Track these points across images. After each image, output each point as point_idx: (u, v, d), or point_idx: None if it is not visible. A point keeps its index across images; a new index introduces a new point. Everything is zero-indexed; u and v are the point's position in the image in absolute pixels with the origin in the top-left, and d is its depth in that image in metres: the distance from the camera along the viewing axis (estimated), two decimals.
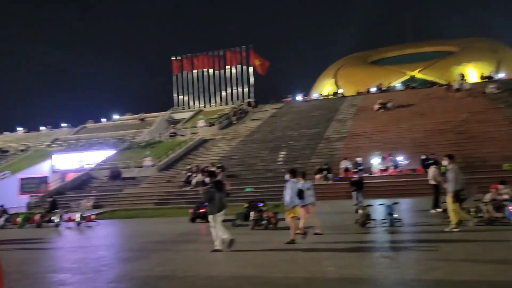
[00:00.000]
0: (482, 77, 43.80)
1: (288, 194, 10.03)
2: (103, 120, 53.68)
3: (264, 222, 13.04)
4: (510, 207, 10.68)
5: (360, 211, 12.51)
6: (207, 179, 25.74)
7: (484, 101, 33.27)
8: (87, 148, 38.42)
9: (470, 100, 33.68)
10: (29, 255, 10.59)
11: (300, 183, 10.81)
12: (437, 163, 15.70)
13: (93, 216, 17.54)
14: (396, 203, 11.90)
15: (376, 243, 10.12)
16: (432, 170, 14.95)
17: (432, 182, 14.83)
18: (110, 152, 36.03)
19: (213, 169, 27.75)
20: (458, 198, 10.57)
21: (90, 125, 50.85)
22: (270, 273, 7.07)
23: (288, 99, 48.57)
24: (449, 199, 10.70)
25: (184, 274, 7.36)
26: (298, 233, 10.26)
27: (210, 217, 9.46)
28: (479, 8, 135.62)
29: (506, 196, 11.44)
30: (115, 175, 30.33)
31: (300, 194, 10.24)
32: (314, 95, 55.95)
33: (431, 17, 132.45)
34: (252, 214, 13.71)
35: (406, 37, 78.67)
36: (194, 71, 55.35)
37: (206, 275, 7.19)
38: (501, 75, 46.04)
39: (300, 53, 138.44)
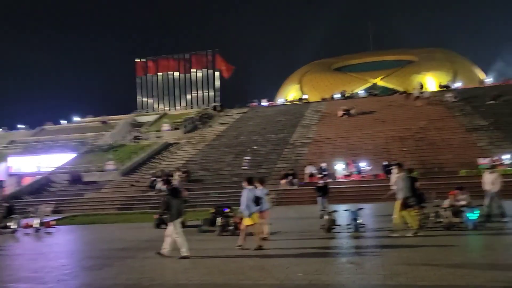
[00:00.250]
0: (440, 86, 45.60)
1: (244, 202, 10.15)
2: (63, 122, 52.00)
3: (231, 228, 13.01)
4: (467, 213, 11.15)
5: (326, 217, 12.70)
6: (163, 187, 25.65)
7: (442, 109, 34.63)
8: (46, 151, 37.12)
9: (429, 108, 34.96)
10: None
11: (259, 190, 10.95)
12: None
13: (52, 222, 16.90)
14: (361, 208, 12.16)
15: (342, 249, 10.31)
16: (394, 176, 15.37)
17: (394, 187, 15.23)
18: (71, 156, 34.97)
19: (178, 173, 27.60)
20: (407, 204, 11.10)
21: (49, 127, 49.14)
22: (239, 280, 7.07)
23: (254, 103, 48.82)
24: (398, 205, 11.18)
25: (150, 282, 7.24)
26: (264, 238, 10.34)
27: (170, 225, 9.47)
28: (436, 20, 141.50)
29: (463, 202, 11.93)
30: (76, 179, 29.46)
31: (257, 201, 10.35)
32: (280, 100, 56.51)
33: (391, 27, 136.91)
34: (218, 220, 13.65)
35: (368, 45, 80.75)
36: (159, 73, 54.68)
37: (173, 283, 7.11)
38: (458, 85, 48.13)
39: (266, 58, 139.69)
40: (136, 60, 55.00)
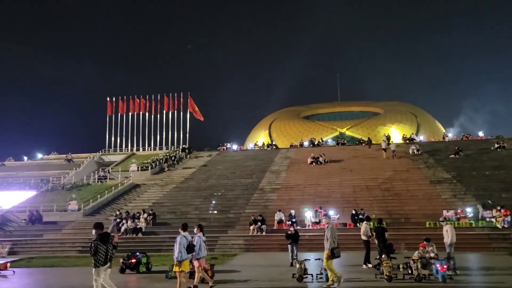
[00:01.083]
0: (404, 139, 47.35)
1: (177, 248, 10.41)
2: (25, 158, 50.22)
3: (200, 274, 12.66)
4: (437, 265, 11.35)
5: (297, 265, 12.61)
6: (124, 226, 24.83)
7: (406, 161, 35.80)
8: (4, 187, 35.50)
9: (394, 160, 36.07)
10: None
11: (197, 236, 11.33)
12: (369, 219, 16.39)
13: (8, 264, 15.94)
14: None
15: None
16: (364, 226, 15.58)
17: (363, 237, 15.40)
18: (31, 193, 33.55)
19: (144, 215, 26.91)
20: (333, 255, 11.40)
21: (9, 163, 47.26)
22: None
23: (223, 147, 48.94)
24: (325, 256, 11.49)
25: None
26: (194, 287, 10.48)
27: (95, 271, 9.30)
28: (400, 75, 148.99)
29: (432, 254, 12.17)
30: (35, 219, 28.11)
31: (190, 248, 10.60)
32: (249, 145, 56.98)
33: (358, 79, 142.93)
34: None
35: (336, 96, 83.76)
36: (129, 113, 54.21)
37: None
38: (421, 137, 50.14)
39: (236, 103, 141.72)
40: (107, 99, 54.51)
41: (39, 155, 51.11)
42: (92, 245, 9.44)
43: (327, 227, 12.01)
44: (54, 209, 29.66)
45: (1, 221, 28.49)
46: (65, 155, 47.59)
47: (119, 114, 53.66)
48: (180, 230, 10.85)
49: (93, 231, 10.13)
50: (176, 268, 10.41)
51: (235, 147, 49.60)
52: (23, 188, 34.52)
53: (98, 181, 37.31)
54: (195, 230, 11.88)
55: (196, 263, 11.25)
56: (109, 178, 37.56)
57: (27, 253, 22.39)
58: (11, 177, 39.28)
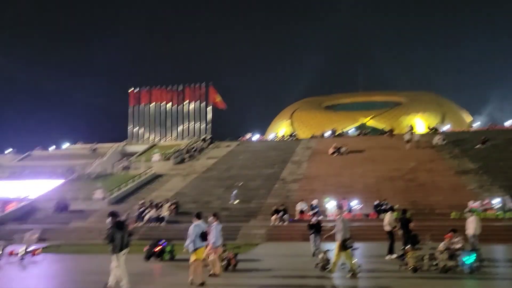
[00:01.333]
0: (429, 129, 46.49)
1: (191, 237, 10.52)
2: (52, 148, 51.44)
3: (223, 263, 12.80)
4: (464, 256, 11.19)
5: (321, 255, 12.60)
6: (148, 215, 25.29)
7: (431, 151, 35.17)
8: (33, 176, 36.48)
9: (418, 150, 35.48)
10: None
11: (213, 225, 11.63)
12: (392, 209, 16.23)
13: (38, 250, 16.46)
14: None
15: None
16: (388, 216, 15.44)
17: (387, 228, 15.27)
18: (58, 182, 34.39)
19: (167, 205, 27.30)
20: (345, 246, 11.42)
21: (37, 152, 48.49)
22: None
23: (245, 138, 49.03)
24: (336, 247, 11.54)
25: None
26: (214, 275, 10.67)
27: (113, 257, 9.60)
28: (423, 63, 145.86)
29: (459, 245, 11.99)
30: (62, 207, 28.86)
31: (203, 236, 10.66)
32: (270, 135, 56.90)
33: (381, 68, 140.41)
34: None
35: (358, 85, 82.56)
36: (151, 104, 54.83)
37: None
38: (446, 127, 49.12)
39: (258, 93, 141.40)
40: (129, 90, 55.19)
41: (65, 145, 52.26)
42: (109, 232, 9.77)
43: (338, 218, 12.05)
44: (80, 198, 30.35)
45: (30, 209, 29.36)
46: (90, 145, 48.51)
47: (142, 105, 54.35)
48: (193, 219, 10.95)
49: (109, 219, 10.44)
50: (192, 256, 10.51)
51: (256, 137, 49.64)
52: (50, 177, 35.39)
53: (122, 171, 37.96)
54: (210, 218, 12.04)
55: (212, 252, 11.31)
56: (133, 168, 38.16)
57: (55, 240, 23.00)
58: (38, 166, 40.33)
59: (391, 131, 43.61)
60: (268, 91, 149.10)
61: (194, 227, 10.60)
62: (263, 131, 61.00)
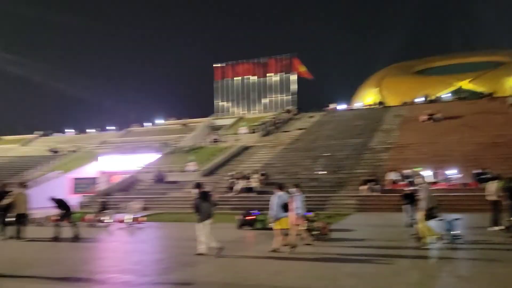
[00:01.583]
0: None
1: (272, 207, 10.68)
2: (148, 124, 54.99)
3: (315, 232, 12.85)
4: None
5: (415, 225, 12.09)
6: (238, 186, 26.11)
7: None
8: (133, 151, 39.39)
9: None
10: (90, 254, 10.90)
11: (295, 195, 11.69)
12: (497, 178, 14.97)
13: (143, 218, 17.88)
14: (457, 219, 11.42)
15: (442, 261, 9.68)
16: (493, 185, 14.31)
17: (491, 197, 14.18)
18: (155, 156, 36.79)
19: (255, 176, 27.98)
20: (430, 215, 11.06)
21: (135, 128, 52.20)
22: (336, 287, 6.91)
23: (331, 107, 48.13)
24: (420, 216, 11.17)
25: (246, 282, 7.32)
26: (286, 245, 10.60)
27: (199, 225, 10.30)
28: None
29: None
30: (160, 179, 30.90)
31: (285, 206, 10.71)
32: (357, 104, 55.20)
33: (478, 26, 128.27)
34: (303, 224, 13.53)
35: (452, 46, 76.29)
36: (236, 78, 55.85)
37: (270, 284, 7.12)
38: None
39: (343, 61, 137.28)
40: (214, 65, 56.65)
41: (159, 121, 55.51)
42: (195, 203, 10.45)
43: (421, 187, 11.60)
44: (175, 170, 32.22)
45: (132, 181, 31.88)
46: (181, 120, 51.06)
47: (227, 79, 55.58)
48: (275, 189, 11.12)
49: (194, 190, 11.04)
50: (275, 226, 10.75)
51: (342, 107, 48.48)
52: (148, 152, 37.94)
53: (211, 144, 39.49)
54: (293, 189, 12.08)
55: (296, 221, 11.44)
56: (221, 141, 39.51)
57: (155, 209, 24.81)
58: (137, 142, 43.45)
59: (491, 94, 39.95)
60: (354, 59, 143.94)
61: (276, 197, 10.83)
62: (349, 100, 59.31)
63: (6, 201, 14.10)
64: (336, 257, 9.60)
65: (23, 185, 15.65)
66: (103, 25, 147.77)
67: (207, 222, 10.29)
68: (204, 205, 10.39)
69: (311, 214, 14.15)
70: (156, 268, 8.77)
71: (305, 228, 13.05)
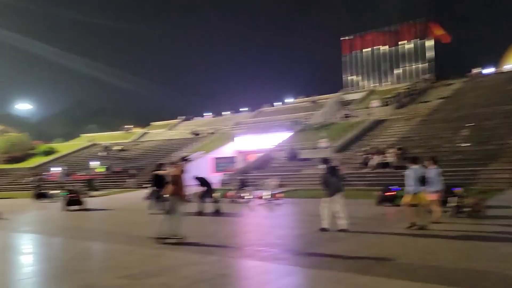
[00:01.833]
0: None
1: (409, 182, 10.32)
2: (277, 103, 56.32)
3: (467, 209, 11.74)
4: None
5: None
6: (373, 161, 25.08)
7: None
8: (265, 130, 40.74)
9: None
10: (235, 228, 11.60)
11: (432, 169, 10.91)
12: None
13: (280, 195, 18.42)
14: None
15: None
16: None
17: None
18: (286, 134, 37.51)
19: (391, 150, 26.68)
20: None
21: (265, 109, 53.91)
22: (502, 269, 6.19)
23: (474, 72, 43.32)
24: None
25: (396, 259, 7.00)
26: (432, 222, 10.04)
27: (326, 199, 10.20)
28: None
29: None
30: (293, 156, 31.46)
31: (422, 180, 10.24)
32: (507, 66, 48.70)
33: None
34: (451, 200, 12.48)
35: None
36: (364, 50, 53.70)
37: (422, 264, 6.69)
38: None
39: (488, 18, 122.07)
40: (341, 38, 55.08)
41: (288, 100, 56.42)
42: (323, 178, 10.34)
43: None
44: (307, 148, 32.46)
45: (267, 159, 33.06)
46: (309, 98, 51.12)
47: (355, 52, 53.74)
48: (410, 163, 10.68)
49: (322, 166, 10.83)
50: (408, 201, 10.30)
51: (489, 70, 43.25)
52: (279, 130, 38.87)
53: (342, 120, 38.78)
54: (428, 162, 11.14)
55: (432, 197, 10.55)
56: (352, 116, 38.51)
57: (290, 186, 25.35)
58: (268, 121, 44.84)
59: None
60: (504, 12, 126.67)
61: (412, 171, 10.38)
62: (497, 63, 52.60)
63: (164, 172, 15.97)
64: (492, 237, 8.63)
65: (174, 164, 17.38)
66: (235, 12, 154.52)
67: (336, 197, 10.13)
68: (332, 180, 10.23)
69: (460, 190, 12.98)
70: (300, 243, 8.93)
71: (454, 204, 12.04)
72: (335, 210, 10.15)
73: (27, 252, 9.72)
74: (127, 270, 6.80)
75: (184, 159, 10.07)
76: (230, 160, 36.35)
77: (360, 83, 53.35)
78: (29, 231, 12.87)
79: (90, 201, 19.66)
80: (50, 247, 10.10)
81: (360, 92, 48.89)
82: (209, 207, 15.04)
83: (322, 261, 7.15)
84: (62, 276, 6.76)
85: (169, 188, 9.27)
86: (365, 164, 26.38)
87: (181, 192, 9.18)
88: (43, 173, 38.14)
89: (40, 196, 24.77)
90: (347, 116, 39.17)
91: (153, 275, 6.45)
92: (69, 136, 71.63)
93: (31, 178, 35.79)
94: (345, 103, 45.78)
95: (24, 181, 37.16)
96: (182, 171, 9.41)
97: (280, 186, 24.78)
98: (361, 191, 21.59)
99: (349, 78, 54.11)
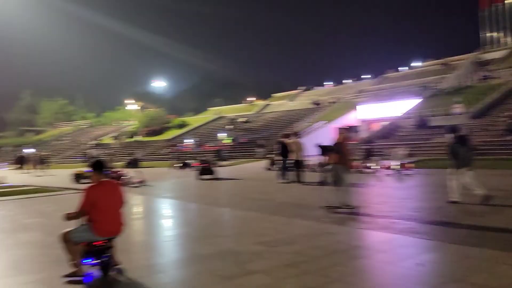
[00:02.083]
0: None
1: None
2: (403, 68, 52.90)
3: None
4: None
5: None
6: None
7: None
8: (390, 97, 38.63)
9: None
10: (364, 198, 11.23)
11: None
12: None
13: (410, 165, 17.36)
14: None
15: None
16: None
17: None
18: (414, 101, 35.09)
19: None
20: None
21: (390, 74, 51.01)
22: None
23: None
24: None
25: None
26: None
27: (453, 171, 9.39)
28: None
29: None
30: (422, 124, 29.40)
31: None
32: None
33: None
34: None
35: None
36: (506, 1, 47.13)
37: None
38: None
39: None
40: None
41: (415, 64, 52.55)
42: (451, 148, 9.42)
43: None
44: (438, 115, 29.97)
45: (393, 128, 31.42)
46: (440, 60, 46.97)
47: (495, 5, 47.53)
48: None
49: (449, 135, 9.71)
50: None
51: None
52: (406, 97, 36.49)
53: (480, 82, 34.89)
54: None
55: None
56: (493, 77, 34.37)
57: (419, 155, 23.70)
58: (393, 88, 42.39)
59: None
60: None
61: None
62: None
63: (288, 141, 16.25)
64: None
65: (296, 134, 17.49)
66: None
67: (463, 169, 9.25)
68: (462, 150, 9.27)
69: None
70: (438, 216, 8.27)
71: None
72: (465, 182, 9.29)
73: (168, 216, 10.67)
74: (261, 237, 7.00)
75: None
76: (353, 129, 35.38)
77: (502, 40, 47.19)
78: (168, 196, 14.14)
79: (220, 171, 20.85)
80: (188, 212, 10.93)
81: (502, 49, 43.12)
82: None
83: (468, 236, 6.51)
84: (201, 239, 7.22)
85: (333, 156, 9.23)
86: (510, 131, 23.52)
87: (346, 161, 9.13)
88: (178, 145, 41.68)
89: (184, 166, 26.94)
90: (485, 78, 35.13)
91: (287, 243, 6.54)
92: (198, 110, 76.86)
93: (169, 149, 39.40)
94: (483, 64, 40.97)
95: (162, 151, 41.09)
96: (345, 139, 9.31)
97: (410, 155, 23.40)
98: (504, 161, 19.47)
99: (488, 35, 48.18)
